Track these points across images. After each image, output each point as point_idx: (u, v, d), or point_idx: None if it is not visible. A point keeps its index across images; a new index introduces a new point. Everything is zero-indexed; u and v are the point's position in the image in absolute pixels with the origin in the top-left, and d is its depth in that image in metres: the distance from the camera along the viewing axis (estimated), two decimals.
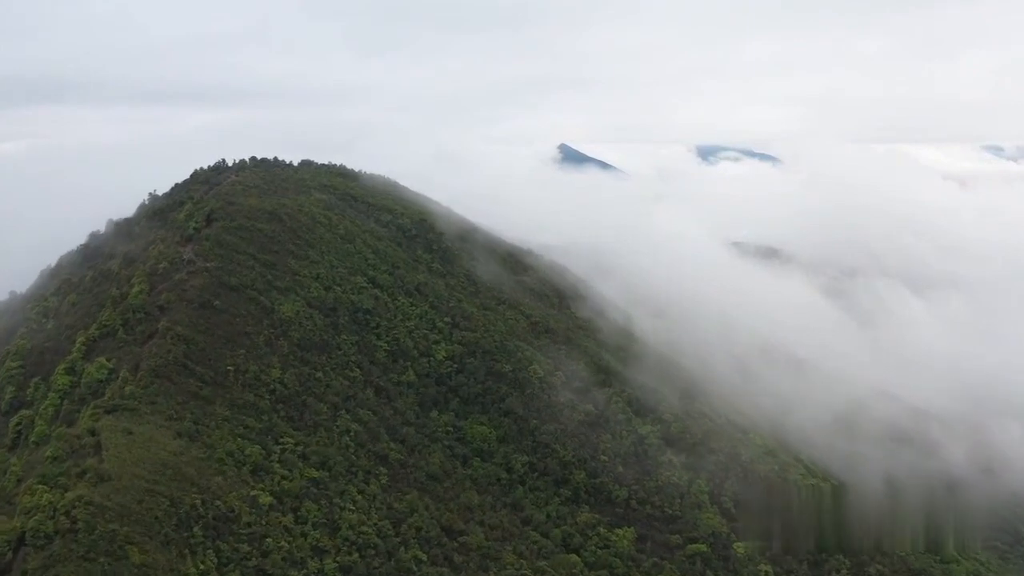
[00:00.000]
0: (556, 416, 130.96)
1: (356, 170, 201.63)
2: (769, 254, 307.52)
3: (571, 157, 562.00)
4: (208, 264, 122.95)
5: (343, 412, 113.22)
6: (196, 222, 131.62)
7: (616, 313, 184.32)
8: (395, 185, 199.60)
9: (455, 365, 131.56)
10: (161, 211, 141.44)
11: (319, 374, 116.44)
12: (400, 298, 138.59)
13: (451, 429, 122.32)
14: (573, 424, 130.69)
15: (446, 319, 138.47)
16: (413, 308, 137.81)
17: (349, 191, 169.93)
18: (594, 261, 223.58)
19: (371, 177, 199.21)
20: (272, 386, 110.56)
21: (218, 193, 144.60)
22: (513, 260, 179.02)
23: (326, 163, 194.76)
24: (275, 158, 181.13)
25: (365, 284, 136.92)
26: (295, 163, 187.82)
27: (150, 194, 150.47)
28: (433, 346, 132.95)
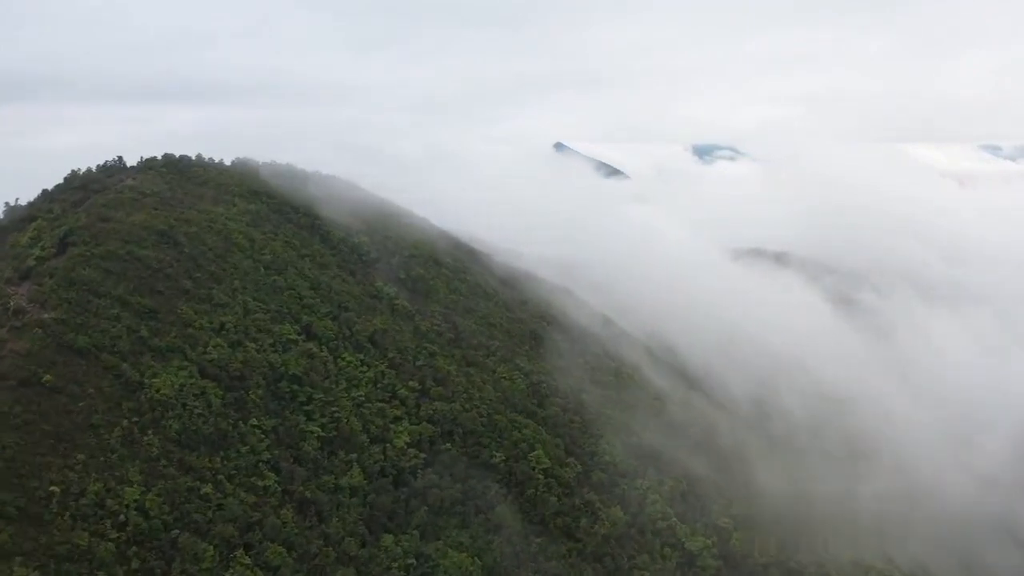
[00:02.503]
0: (570, 530, 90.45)
1: (310, 171, 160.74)
2: (773, 259, 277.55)
3: (567, 156, 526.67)
4: (47, 315, 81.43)
5: (239, 553, 72.01)
6: (43, 248, 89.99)
7: (631, 351, 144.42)
8: (356, 190, 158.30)
9: (423, 456, 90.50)
10: (3, 231, 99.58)
11: (206, 488, 75.12)
12: (347, 355, 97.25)
13: (414, 561, 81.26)
14: (595, 541, 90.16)
15: (412, 384, 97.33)
16: (364, 370, 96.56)
17: (291, 200, 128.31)
18: (592, 277, 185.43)
19: (327, 180, 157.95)
20: (124, 516, 69.23)
21: (92, 205, 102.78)
22: (507, 289, 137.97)
23: (270, 161, 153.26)
24: (199, 155, 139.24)
25: (295, 336, 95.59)
26: (228, 161, 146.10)
27: (7, 204, 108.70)
28: (391, 427, 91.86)
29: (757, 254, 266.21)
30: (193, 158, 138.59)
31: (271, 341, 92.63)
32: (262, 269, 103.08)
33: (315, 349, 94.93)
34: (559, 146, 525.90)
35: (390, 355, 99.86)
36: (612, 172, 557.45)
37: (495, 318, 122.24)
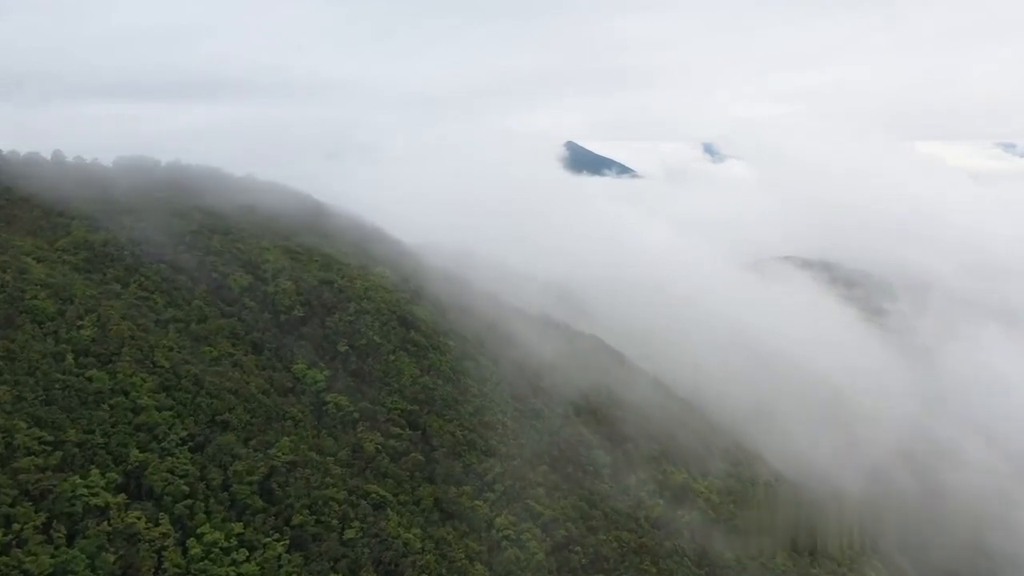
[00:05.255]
0: None
1: (240, 175, 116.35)
2: (793, 266, 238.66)
3: (579, 156, 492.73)
4: None
5: None
6: None
7: (693, 435, 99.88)
8: (303, 203, 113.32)
9: None
10: None
11: None
12: (208, 530, 51.05)
13: None
14: None
15: None
16: (239, 558, 50.51)
17: (178, 224, 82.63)
18: (602, 301, 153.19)
19: (264, 189, 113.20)
20: None
21: None
22: (512, 352, 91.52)
23: (175, 161, 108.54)
24: (56, 152, 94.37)
25: (104, 496, 49.34)
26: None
27: None
28: None
29: (774, 262, 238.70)
30: (50, 156, 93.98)
31: (40, 520, 46.55)
32: (69, 357, 56.99)
33: (140, 525, 48.76)
34: (571, 145, 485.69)
35: (296, 520, 53.71)
36: (623, 171, 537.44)
37: (494, 411, 75.96)
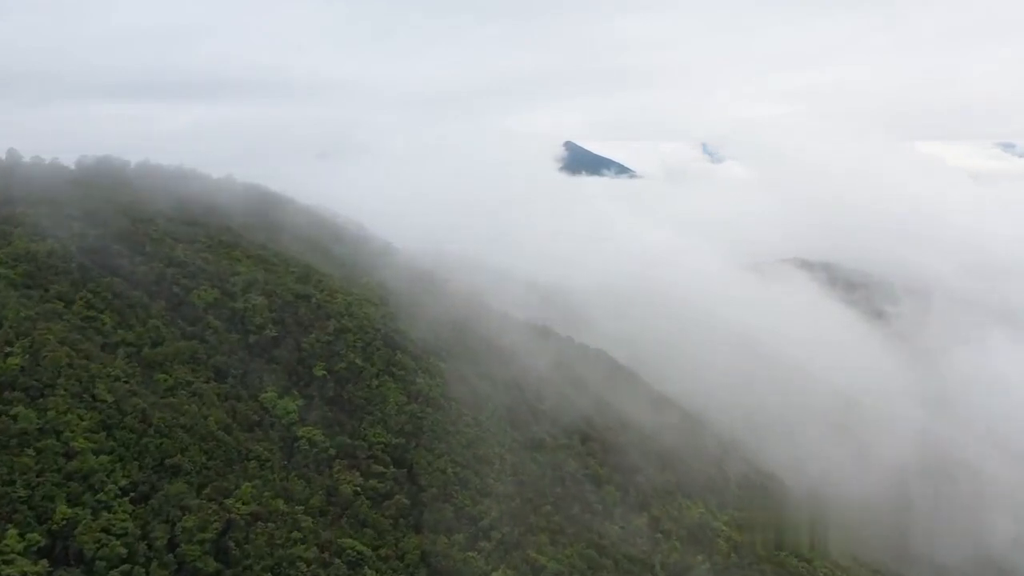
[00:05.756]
0: None
1: (218, 176, 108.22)
2: (793, 267, 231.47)
3: (578, 156, 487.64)
4: None
5: None
6: None
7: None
8: (286, 207, 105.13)
9: None
10: None
11: None
12: None
13: None
14: None
15: None
16: None
17: (137, 232, 74.35)
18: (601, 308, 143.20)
19: (239, 192, 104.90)
20: None
21: None
22: (512, 370, 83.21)
23: (144, 161, 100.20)
24: (9, 152, 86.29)
25: (20, 563, 41.23)
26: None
27: None
28: None
29: (775, 263, 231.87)
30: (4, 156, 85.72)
31: None
32: None
33: None
34: (570, 145, 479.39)
35: None
36: (622, 171, 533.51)
37: (490, 442, 67.60)
